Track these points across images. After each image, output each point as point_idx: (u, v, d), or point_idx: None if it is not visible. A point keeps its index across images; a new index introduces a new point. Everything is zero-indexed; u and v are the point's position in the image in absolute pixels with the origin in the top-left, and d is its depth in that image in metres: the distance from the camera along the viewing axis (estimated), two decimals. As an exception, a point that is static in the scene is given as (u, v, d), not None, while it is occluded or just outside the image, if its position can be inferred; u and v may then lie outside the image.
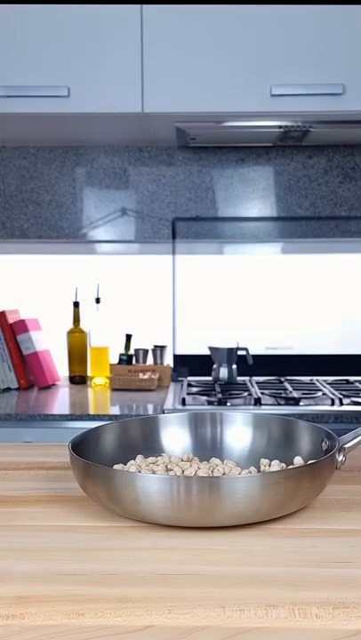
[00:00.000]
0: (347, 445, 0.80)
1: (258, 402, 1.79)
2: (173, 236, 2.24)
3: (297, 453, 0.88)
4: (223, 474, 0.84)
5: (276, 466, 0.85)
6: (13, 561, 0.65)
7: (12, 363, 2.06)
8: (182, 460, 0.89)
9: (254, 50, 1.81)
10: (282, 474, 0.70)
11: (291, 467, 0.84)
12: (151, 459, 0.89)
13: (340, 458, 0.79)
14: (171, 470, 0.84)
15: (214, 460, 0.89)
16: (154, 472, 0.83)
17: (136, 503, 0.70)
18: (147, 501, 0.69)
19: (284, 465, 0.86)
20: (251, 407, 1.77)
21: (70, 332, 2.19)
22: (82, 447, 0.83)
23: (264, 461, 0.87)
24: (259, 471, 0.86)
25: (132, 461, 0.88)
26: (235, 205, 2.24)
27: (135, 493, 0.70)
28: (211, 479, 0.68)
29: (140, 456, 0.90)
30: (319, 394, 1.90)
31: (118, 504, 0.72)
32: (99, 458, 0.85)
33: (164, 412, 1.73)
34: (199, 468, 0.83)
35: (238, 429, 0.96)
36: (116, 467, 0.85)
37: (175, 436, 0.96)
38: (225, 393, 1.93)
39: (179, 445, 0.95)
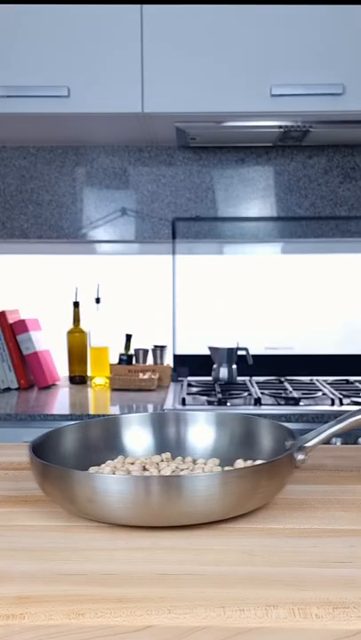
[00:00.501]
0: (307, 445, 0.80)
1: (258, 402, 1.79)
2: (173, 236, 2.24)
3: (260, 452, 0.88)
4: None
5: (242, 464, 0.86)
6: (13, 561, 0.65)
7: (12, 363, 2.06)
8: (162, 461, 0.89)
9: (254, 50, 1.81)
10: (237, 472, 0.70)
11: (246, 465, 0.84)
12: (130, 458, 0.89)
13: (300, 457, 0.79)
14: (147, 470, 0.84)
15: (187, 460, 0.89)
16: (129, 472, 0.83)
17: (89, 502, 0.70)
18: (100, 501, 0.69)
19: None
20: (251, 407, 1.77)
21: (70, 332, 2.19)
22: (43, 448, 0.82)
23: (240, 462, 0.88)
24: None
25: (109, 461, 0.88)
26: (235, 205, 2.24)
27: (89, 493, 0.70)
28: (160, 478, 0.68)
29: (120, 456, 0.90)
30: (319, 394, 1.90)
31: (73, 504, 0.72)
32: (60, 459, 0.85)
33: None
34: (178, 468, 0.83)
35: (201, 429, 0.96)
36: (92, 468, 0.85)
37: (138, 437, 0.95)
38: (225, 393, 1.93)
39: (141, 446, 0.95)
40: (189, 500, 0.69)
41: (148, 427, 0.96)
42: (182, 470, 0.84)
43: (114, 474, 0.81)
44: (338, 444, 1.61)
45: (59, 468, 0.73)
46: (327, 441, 0.82)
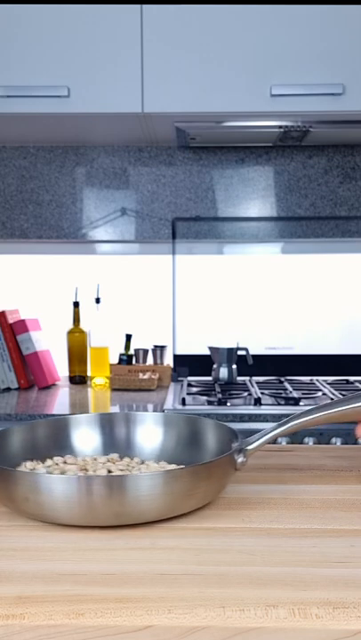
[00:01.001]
0: (249, 447, 0.80)
1: (258, 402, 1.79)
2: (173, 236, 2.24)
3: (206, 452, 0.88)
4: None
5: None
6: (13, 561, 0.65)
7: (12, 363, 2.06)
8: (108, 461, 0.89)
9: (254, 50, 1.81)
10: (173, 473, 0.70)
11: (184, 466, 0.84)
12: (69, 458, 0.89)
13: (241, 459, 0.79)
14: (85, 470, 0.84)
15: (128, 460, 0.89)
16: (63, 472, 0.83)
17: (26, 501, 0.71)
18: (34, 500, 0.70)
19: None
20: (251, 407, 1.77)
21: (70, 332, 2.19)
22: None
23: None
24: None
25: (49, 460, 0.88)
26: (235, 205, 2.24)
27: (23, 492, 0.70)
28: (88, 478, 0.68)
29: (68, 456, 0.90)
30: (319, 394, 1.90)
31: (11, 502, 0.73)
32: (6, 459, 0.84)
33: (163, 412, 1.73)
34: (119, 469, 0.83)
35: (149, 429, 0.95)
36: (28, 464, 0.85)
37: (86, 437, 0.95)
38: (225, 393, 1.93)
39: (89, 446, 0.94)
40: (124, 500, 0.69)
41: (95, 427, 0.95)
42: (121, 471, 0.84)
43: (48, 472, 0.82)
44: (338, 444, 1.61)
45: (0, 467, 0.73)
46: (273, 441, 0.82)
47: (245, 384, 2.07)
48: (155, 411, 1.78)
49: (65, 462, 0.88)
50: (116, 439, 0.95)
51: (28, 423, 0.92)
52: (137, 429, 0.95)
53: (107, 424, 0.96)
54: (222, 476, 0.77)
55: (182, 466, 0.85)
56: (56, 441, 0.93)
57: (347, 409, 0.83)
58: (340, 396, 1.82)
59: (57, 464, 0.86)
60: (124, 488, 0.69)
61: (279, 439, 1.61)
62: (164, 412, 1.75)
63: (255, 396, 1.82)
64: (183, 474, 0.71)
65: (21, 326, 2.07)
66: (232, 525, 0.74)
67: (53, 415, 1.72)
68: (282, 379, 2.17)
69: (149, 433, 0.95)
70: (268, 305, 2.26)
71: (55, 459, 0.88)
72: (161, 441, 0.94)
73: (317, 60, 1.81)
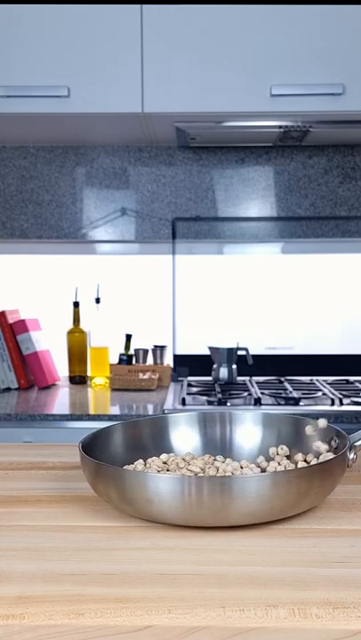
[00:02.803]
0: (357, 443, 0.80)
1: (258, 402, 1.79)
2: (173, 236, 2.24)
3: (307, 452, 0.88)
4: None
5: (283, 453, 0.86)
6: (13, 561, 0.65)
7: (12, 363, 2.06)
8: (198, 458, 0.89)
9: (254, 50, 1.81)
10: (293, 473, 0.70)
11: (302, 466, 0.84)
12: (168, 456, 0.89)
13: (352, 456, 0.79)
14: (188, 470, 0.84)
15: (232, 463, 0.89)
16: (168, 471, 0.84)
17: (148, 503, 0.70)
18: (158, 501, 0.69)
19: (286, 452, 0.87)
20: (251, 407, 1.77)
21: (70, 332, 2.19)
22: (92, 447, 0.82)
23: (272, 450, 0.88)
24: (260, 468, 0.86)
25: (149, 459, 0.88)
26: (235, 205, 2.24)
27: (147, 493, 0.70)
28: (222, 479, 0.68)
29: (164, 455, 0.90)
30: (319, 394, 1.90)
31: (130, 504, 0.72)
32: (108, 458, 0.85)
33: (164, 412, 1.73)
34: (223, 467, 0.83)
35: (248, 429, 0.95)
36: (129, 466, 0.85)
37: (184, 436, 0.95)
38: (225, 393, 1.93)
39: (188, 445, 0.95)
40: (247, 501, 0.68)
41: (194, 426, 0.96)
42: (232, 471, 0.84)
43: (165, 472, 0.82)
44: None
45: (110, 466, 0.73)
46: None
47: (245, 384, 2.07)
48: (154, 411, 1.78)
49: (186, 461, 0.87)
50: (211, 438, 0.95)
51: (128, 422, 0.93)
52: (235, 429, 0.96)
53: (203, 423, 0.96)
54: (336, 474, 0.76)
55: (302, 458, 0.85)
56: (154, 440, 0.93)
57: None
58: (341, 397, 1.82)
59: (175, 463, 0.86)
60: (249, 488, 0.68)
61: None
62: (163, 412, 1.75)
63: (255, 396, 1.82)
64: (300, 474, 0.70)
65: (21, 326, 2.07)
66: (232, 525, 0.74)
67: (54, 415, 1.72)
68: (282, 379, 2.17)
69: (247, 432, 0.95)
70: (268, 305, 2.26)
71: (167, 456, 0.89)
72: (260, 440, 0.94)
73: (317, 59, 1.81)
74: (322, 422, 0.87)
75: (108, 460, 0.82)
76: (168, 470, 0.85)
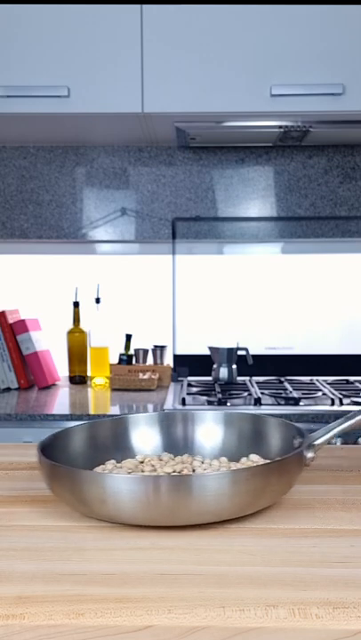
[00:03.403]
0: (316, 442, 0.80)
1: (258, 402, 1.79)
2: (173, 236, 2.24)
3: (268, 451, 0.88)
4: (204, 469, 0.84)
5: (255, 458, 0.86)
6: (13, 561, 0.65)
7: (12, 363, 2.06)
8: (160, 460, 0.88)
9: (254, 50, 1.81)
10: (249, 471, 0.70)
11: (248, 461, 0.84)
12: (133, 458, 0.89)
13: (310, 455, 0.79)
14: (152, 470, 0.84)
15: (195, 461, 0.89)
16: (137, 471, 0.83)
17: (102, 504, 0.70)
18: (113, 501, 0.69)
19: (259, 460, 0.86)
20: (251, 407, 1.77)
21: (70, 332, 2.19)
22: (52, 449, 0.82)
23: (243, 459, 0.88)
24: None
25: (112, 460, 0.88)
26: (235, 205, 2.24)
27: (102, 494, 0.69)
28: (179, 477, 0.68)
29: (140, 455, 0.90)
30: (319, 394, 1.90)
31: (85, 505, 0.72)
32: (68, 459, 0.84)
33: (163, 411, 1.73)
34: (185, 468, 0.83)
35: (209, 428, 0.95)
36: (97, 468, 0.85)
37: (146, 436, 0.95)
38: (225, 393, 1.93)
39: (150, 445, 0.95)
40: (200, 500, 0.68)
41: (155, 426, 0.96)
42: (185, 470, 0.84)
43: (129, 473, 0.81)
44: (338, 444, 1.61)
45: (68, 468, 0.73)
46: (334, 437, 0.82)
47: (245, 384, 2.07)
48: (154, 411, 1.78)
49: (144, 462, 0.87)
50: (175, 438, 0.95)
51: (88, 423, 0.92)
52: (195, 428, 0.96)
53: (166, 423, 0.96)
54: (293, 472, 0.76)
55: (258, 460, 0.85)
56: (116, 440, 0.93)
57: None
58: (341, 397, 1.82)
59: (119, 466, 0.86)
60: (196, 488, 0.68)
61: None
62: (164, 411, 1.75)
63: (255, 396, 1.82)
64: (256, 471, 0.71)
65: (21, 326, 2.07)
66: (232, 525, 0.74)
67: (54, 415, 1.72)
68: (282, 379, 2.17)
69: (209, 431, 0.95)
70: (268, 305, 2.26)
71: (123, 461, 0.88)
72: (221, 439, 0.94)
73: (317, 59, 1.81)
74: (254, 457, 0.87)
75: (68, 462, 0.82)
76: (143, 471, 0.85)
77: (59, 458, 0.81)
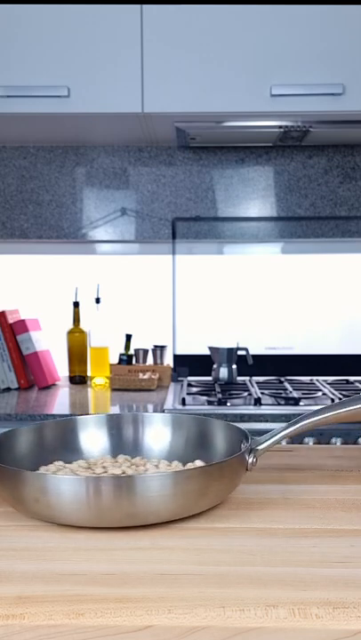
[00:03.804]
0: (259, 447, 0.80)
1: (258, 402, 1.79)
2: (173, 236, 2.24)
3: (215, 453, 0.88)
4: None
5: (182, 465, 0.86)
6: (13, 561, 0.65)
7: (12, 363, 2.06)
8: (116, 462, 0.88)
9: (254, 50, 1.81)
10: (185, 473, 0.70)
11: (193, 466, 0.84)
12: (82, 461, 0.88)
13: (251, 459, 0.79)
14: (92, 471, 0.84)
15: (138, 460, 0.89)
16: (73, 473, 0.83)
17: (35, 502, 0.70)
18: (45, 500, 0.69)
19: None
20: (251, 407, 1.77)
21: (70, 332, 2.19)
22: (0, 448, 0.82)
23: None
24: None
25: (59, 462, 0.87)
26: (235, 205, 2.24)
27: (33, 493, 0.70)
28: (98, 479, 0.68)
29: (81, 461, 0.89)
30: (319, 394, 1.90)
31: (21, 504, 0.72)
32: (14, 460, 0.84)
33: (164, 412, 1.73)
34: (129, 468, 0.83)
35: (158, 430, 0.95)
36: (41, 468, 0.84)
37: (94, 438, 0.94)
38: (225, 393, 1.93)
39: (97, 447, 0.94)
40: (137, 501, 0.68)
41: (103, 428, 0.95)
42: (129, 470, 0.84)
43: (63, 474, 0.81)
44: (338, 444, 1.61)
45: (7, 468, 0.72)
46: (278, 442, 0.82)
47: (245, 384, 2.07)
48: (155, 411, 1.78)
49: (85, 465, 0.87)
50: (124, 440, 0.95)
51: (36, 424, 0.91)
52: (145, 430, 0.95)
53: (114, 425, 0.95)
54: (234, 476, 0.76)
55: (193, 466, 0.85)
56: (63, 442, 0.92)
57: (357, 408, 0.83)
58: (341, 396, 1.82)
59: (64, 467, 0.86)
60: (136, 488, 0.68)
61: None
62: (164, 411, 1.75)
63: (255, 396, 1.82)
64: (195, 474, 0.71)
65: (21, 326, 2.07)
66: (232, 525, 0.74)
67: (54, 415, 1.72)
68: (282, 379, 2.17)
69: (157, 433, 0.94)
70: (268, 305, 2.26)
71: (59, 463, 0.88)
72: (169, 441, 0.94)
73: (317, 59, 1.81)
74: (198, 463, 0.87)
75: (13, 463, 0.82)
76: (94, 472, 0.84)
77: (5, 458, 0.80)
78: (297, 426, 0.82)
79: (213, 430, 0.91)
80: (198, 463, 0.86)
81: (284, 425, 0.82)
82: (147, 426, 0.95)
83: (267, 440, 0.81)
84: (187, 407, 1.78)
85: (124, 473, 0.82)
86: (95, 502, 0.68)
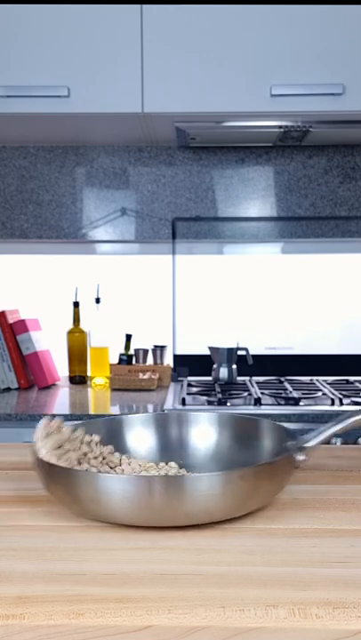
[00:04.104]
0: (307, 445, 0.80)
1: (258, 402, 1.79)
2: (173, 236, 2.24)
3: (261, 452, 0.89)
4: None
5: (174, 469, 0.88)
6: (13, 561, 0.65)
7: (12, 363, 2.06)
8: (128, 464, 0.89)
9: (254, 50, 1.81)
10: (238, 473, 0.71)
11: (248, 467, 0.85)
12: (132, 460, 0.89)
13: (301, 457, 0.79)
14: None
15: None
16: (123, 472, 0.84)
17: (92, 502, 0.70)
18: (106, 501, 0.70)
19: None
20: (251, 407, 1.77)
21: (70, 332, 2.19)
22: None
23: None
24: None
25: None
26: (235, 205, 2.24)
27: (92, 492, 0.70)
28: (169, 478, 0.69)
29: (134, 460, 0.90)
30: (319, 394, 1.90)
31: (78, 504, 0.72)
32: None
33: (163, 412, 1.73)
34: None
35: (203, 429, 0.96)
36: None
37: (140, 437, 0.95)
38: (225, 393, 1.93)
39: (144, 446, 0.95)
40: (191, 500, 0.69)
41: (150, 427, 0.96)
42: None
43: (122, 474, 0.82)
44: (338, 444, 1.61)
45: (63, 468, 0.73)
46: (327, 441, 0.82)
47: (245, 384, 2.07)
48: (154, 411, 1.78)
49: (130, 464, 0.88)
50: (168, 440, 0.96)
51: (83, 423, 0.92)
52: (190, 430, 0.96)
53: (160, 424, 0.96)
54: (284, 475, 0.76)
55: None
56: (111, 441, 0.93)
57: None
58: (341, 397, 1.82)
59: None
60: (189, 488, 0.69)
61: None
62: (163, 412, 1.75)
63: (255, 396, 1.82)
64: (246, 474, 0.71)
65: (21, 326, 2.07)
66: (232, 525, 0.74)
67: (54, 415, 1.72)
68: (282, 379, 2.17)
69: (202, 433, 0.95)
70: (268, 305, 2.26)
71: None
72: (215, 441, 0.94)
73: (317, 59, 1.81)
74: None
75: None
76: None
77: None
78: (346, 423, 0.82)
79: (258, 429, 0.92)
80: (172, 464, 0.88)
81: (332, 422, 0.82)
82: (192, 425, 0.96)
83: (315, 437, 0.81)
84: (187, 407, 1.78)
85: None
86: (147, 501, 0.69)
